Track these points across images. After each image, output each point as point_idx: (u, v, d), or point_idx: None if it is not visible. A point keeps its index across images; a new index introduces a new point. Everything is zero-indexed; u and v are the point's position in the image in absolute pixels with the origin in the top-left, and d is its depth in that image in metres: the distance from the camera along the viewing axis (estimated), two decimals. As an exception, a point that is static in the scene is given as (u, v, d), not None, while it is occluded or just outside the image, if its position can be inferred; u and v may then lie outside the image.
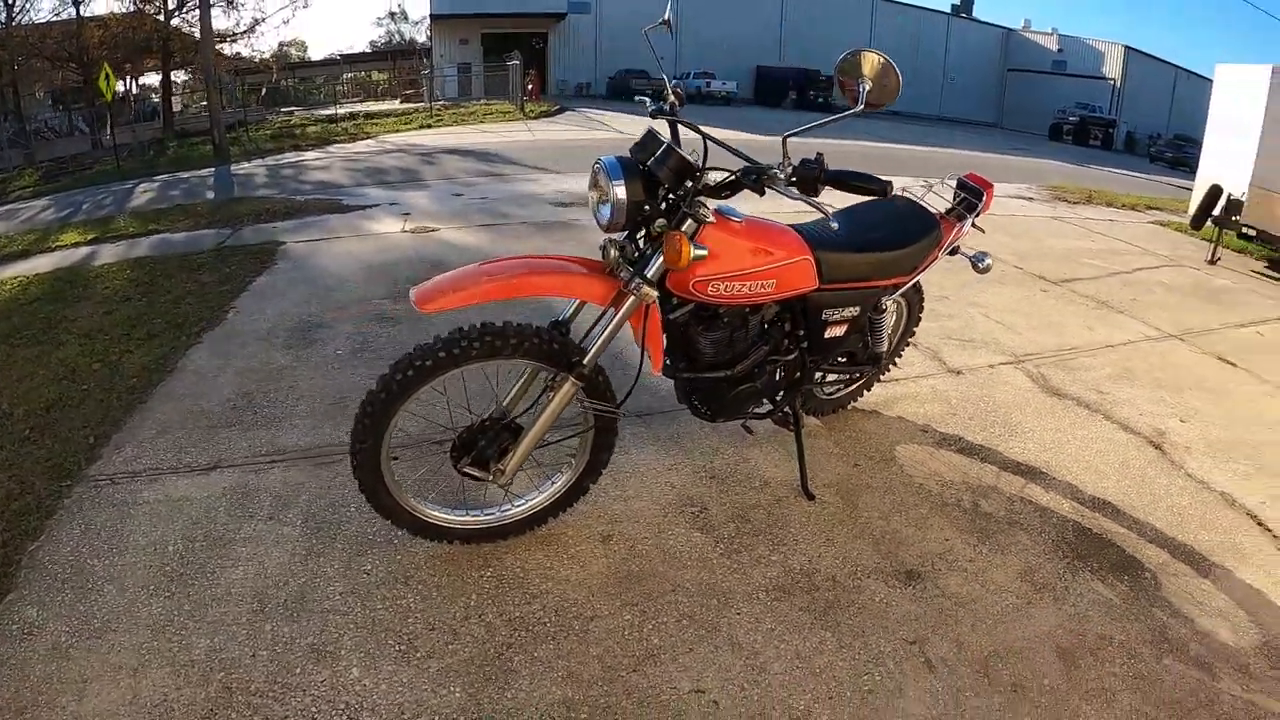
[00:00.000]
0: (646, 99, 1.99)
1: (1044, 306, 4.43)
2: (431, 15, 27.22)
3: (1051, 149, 21.84)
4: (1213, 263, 6.29)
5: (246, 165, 11.24)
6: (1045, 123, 27.65)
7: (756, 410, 2.24)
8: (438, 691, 1.57)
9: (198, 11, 17.16)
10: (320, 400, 2.74)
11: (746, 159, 1.78)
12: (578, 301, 1.93)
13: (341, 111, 20.62)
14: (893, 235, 2.28)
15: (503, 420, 1.85)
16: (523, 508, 2.00)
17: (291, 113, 23.44)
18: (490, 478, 1.82)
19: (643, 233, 1.80)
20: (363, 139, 13.97)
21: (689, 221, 1.73)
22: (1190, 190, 9.24)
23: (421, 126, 15.05)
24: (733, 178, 1.78)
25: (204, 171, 10.78)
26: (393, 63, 36.34)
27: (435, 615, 1.77)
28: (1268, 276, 5.95)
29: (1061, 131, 26.59)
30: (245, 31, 23.43)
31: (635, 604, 1.85)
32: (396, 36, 43.90)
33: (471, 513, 1.98)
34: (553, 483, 2.02)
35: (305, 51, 43.56)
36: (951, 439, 2.75)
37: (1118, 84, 30.25)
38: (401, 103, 25.99)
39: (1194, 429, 2.98)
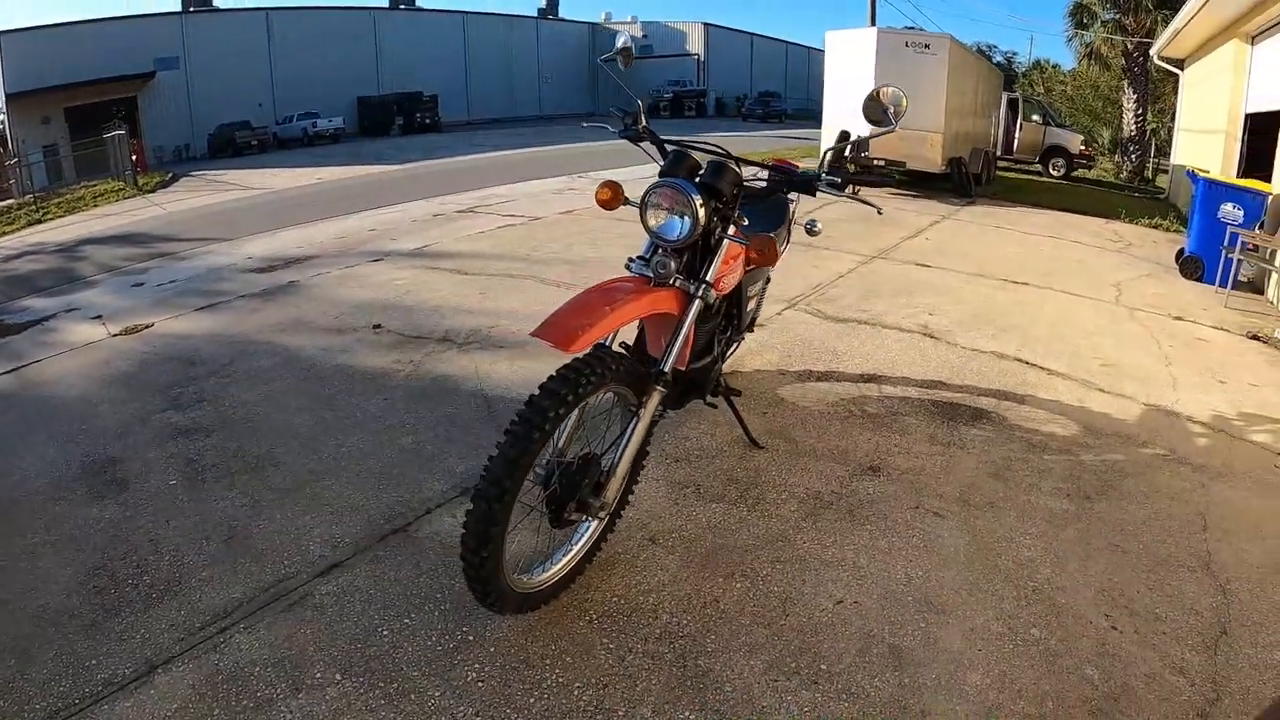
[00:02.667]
0: (611, 125, 2.23)
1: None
2: (6, 95, 22.24)
3: (657, 126, 26.34)
4: (856, 195, 8.98)
5: None
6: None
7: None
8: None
9: None
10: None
11: (759, 164, 2.13)
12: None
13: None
14: (776, 220, 2.90)
15: (574, 459, 1.88)
16: (587, 535, 2.04)
17: None
18: (600, 514, 1.86)
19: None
20: (-39, 252, 10.08)
21: (730, 226, 2.02)
22: (815, 140, 12.51)
23: (31, 223, 13.60)
24: (774, 183, 2.11)
25: None
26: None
27: (623, 641, 1.78)
28: (904, 194, 8.64)
29: (659, 108, 31.10)
30: None
31: (733, 573, 2.10)
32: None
33: (549, 566, 1.95)
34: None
35: None
36: (805, 373, 3.56)
37: (702, 58, 36.31)
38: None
39: (941, 318, 4.40)
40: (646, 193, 1.89)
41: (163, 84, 25.37)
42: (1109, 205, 10.19)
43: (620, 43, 2.25)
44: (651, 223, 1.91)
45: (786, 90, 38.53)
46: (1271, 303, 5.42)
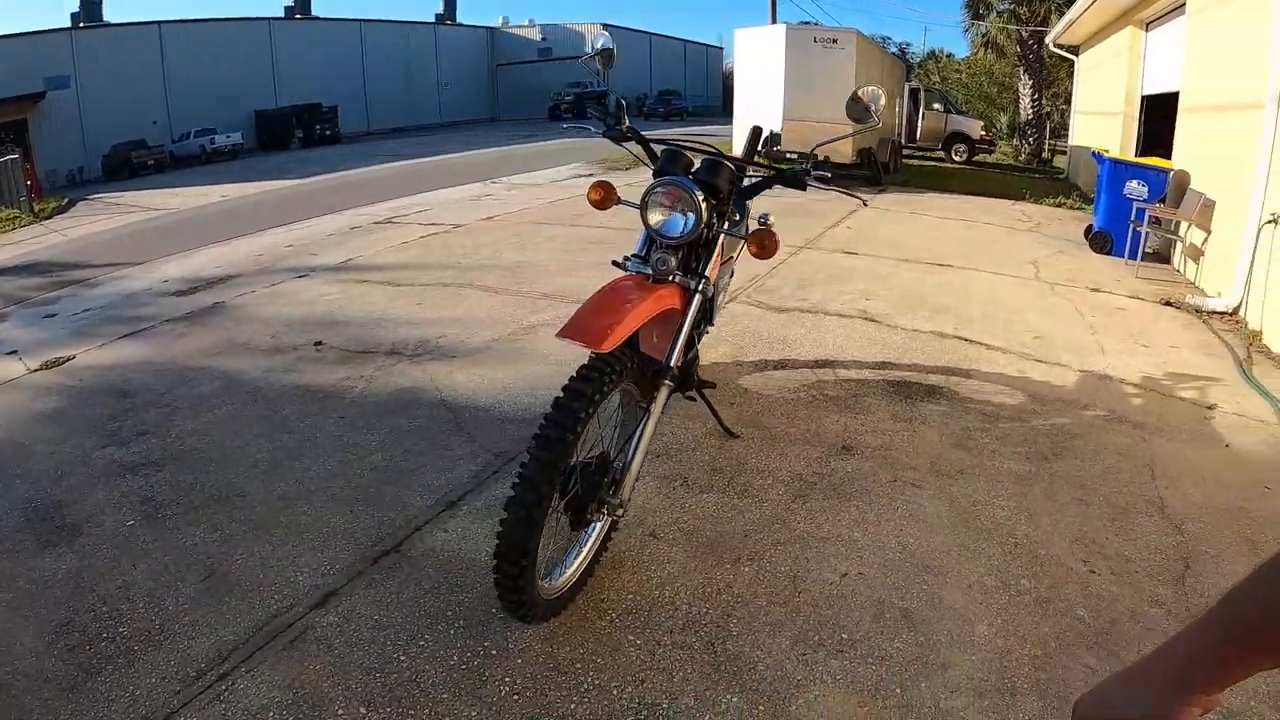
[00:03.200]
0: (593, 126, 2.25)
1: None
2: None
3: (559, 129, 26.71)
4: (843, 188, 9.46)
5: None
6: (543, 107, 32.68)
7: None
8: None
9: None
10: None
11: (737, 160, 2.18)
12: None
13: None
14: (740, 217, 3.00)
15: (591, 459, 1.88)
16: (595, 535, 2.06)
17: None
18: (619, 512, 1.88)
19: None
20: None
21: (725, 221, 2.08)
22: (724, 136, 12.90)
23: (-83, 260, 11.45)
24: (768, 178, 2.18)
25: None
26: None
27: (649, 635, 1.80)
28: (816, 185, 9.05)
29: (560, 111, 31.41)
30: None
31: (739, 558, 2.17)
32: None
33: (565, 569, 1.96)
34: None
35: None
36: (762, 363, 3.70)
37: None
38: None
39: (878, 303, 4.65)
40: (648, 191, 1.93)
41: (54, 104, 23.72)
42: (1013, 187, 11.03)
43: (599, 44, 2.28)
44: (654, 220, 1.94)
45: (686, 88, 39.74)
46: (1178, 270, 6.05)
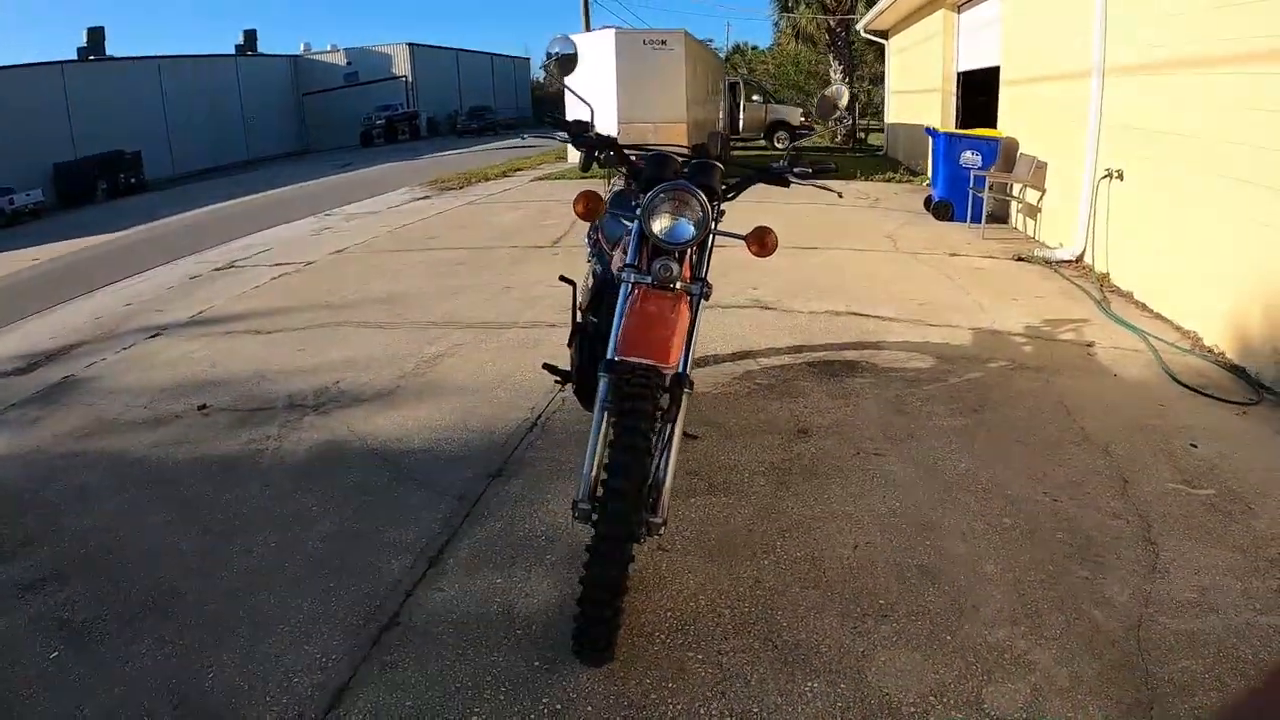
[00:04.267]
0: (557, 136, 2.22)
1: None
2: None
3: (375, 154, 25.78)
4: (818, 183, 9.87)
5: None
6: (354, 134, 31.61)
7: None
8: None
9: None
10: None
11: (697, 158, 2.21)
12: None
13: None
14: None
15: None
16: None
17: None
18: (661, 530, 1.87)
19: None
20: None
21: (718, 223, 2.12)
22: (548, 147, 13.15)
23: None
24: (751, 177, 2.25)
25: None
26: None
27: (706, 647, 1.80)
28: (799, 182, 9.47)
29: (372, 136, 30.91)
30: None
31: (754, 553, 2.26)
32: None
33: None
34: None
35: None
36: (711, 357, 3.84)
37: (410, 79, 36.49)
38: None
39: (766, 290, 4.98)
40: (652, 198, 1.90)
41: None
42: (841, 168, 12.20)
43: (556, 50, 2.24)
44: (658, 227, 1.92)
45: (496, 102, 40.29)
46: (1017, 229, 7.03)
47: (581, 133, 2.26)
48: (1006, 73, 7.62)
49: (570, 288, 2.89)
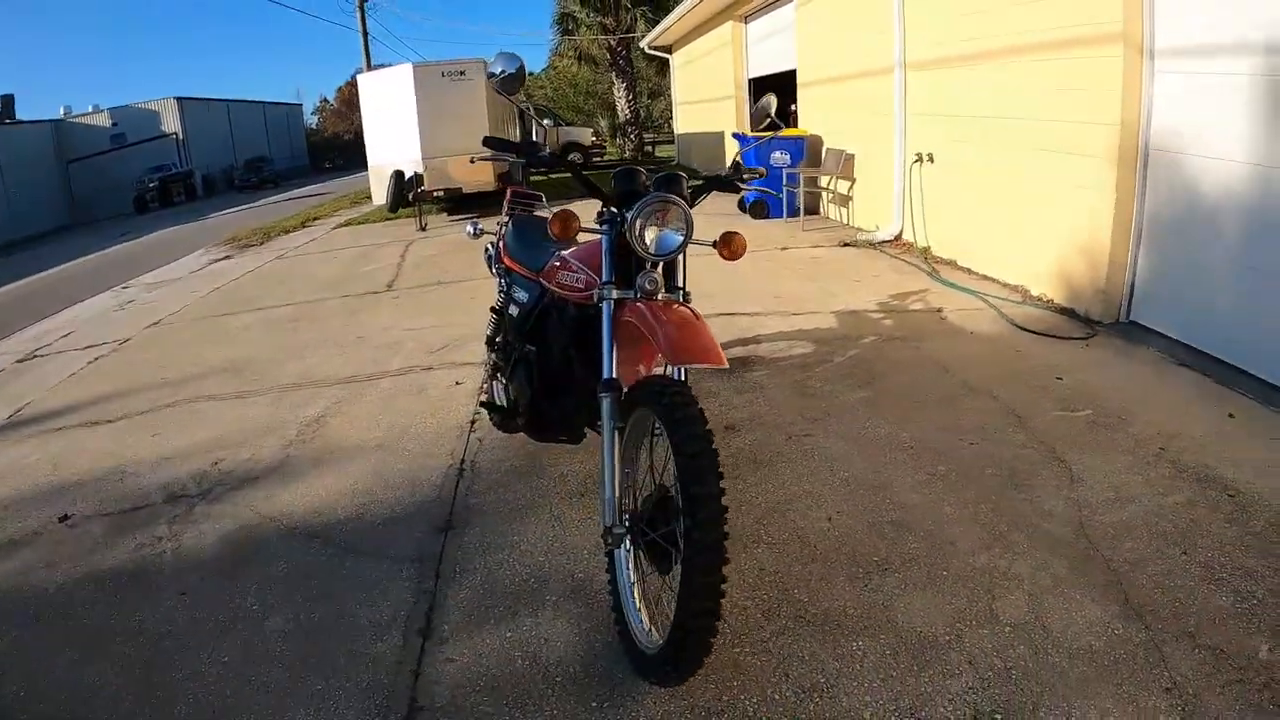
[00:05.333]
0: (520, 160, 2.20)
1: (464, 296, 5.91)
2: None
3: (153, 219, 23.73)
4: (423, 229, 9.59)
5: None
6: (128, 199, 28.87)
7: None
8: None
9: None
10: None
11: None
12: None
13: None
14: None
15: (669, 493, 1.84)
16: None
17: None
18: None
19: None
20: None
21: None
22: (332, 194, 12.58)
23: None
24: (706, 184, 2.31)
25: None
26: None
27: (755, 646, 1.87)
28: (466, 217, 9.27)
29: (147, 201, 28.71)
30: None
31: (746, 545, 2.37)
32: None
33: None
34: None
35: None
36: None
37: (181, 135, 34.03)
38: None
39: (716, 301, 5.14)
40: (640, 211, 1.90)
41: None
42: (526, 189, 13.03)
43: (499, 69, 2.19)
44: (649, 239, 1.94)
45: (272, 151, 38.81)
46: (831, 218, 7.80)
47: (536, 152, 2.24)
48: (804, 75, 8.53)
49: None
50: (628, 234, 1.93)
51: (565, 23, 20.58)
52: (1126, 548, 2.18)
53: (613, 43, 19.32)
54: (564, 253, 2.45)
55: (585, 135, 19.17)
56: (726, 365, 1.79)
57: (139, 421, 3.95)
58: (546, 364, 2.51)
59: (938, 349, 3.89)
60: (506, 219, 3.23)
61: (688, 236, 1.99)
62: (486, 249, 3.42)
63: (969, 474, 2.66)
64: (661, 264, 2.02)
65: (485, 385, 3.48)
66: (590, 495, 2.75)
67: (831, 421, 3.18)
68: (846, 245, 6.54)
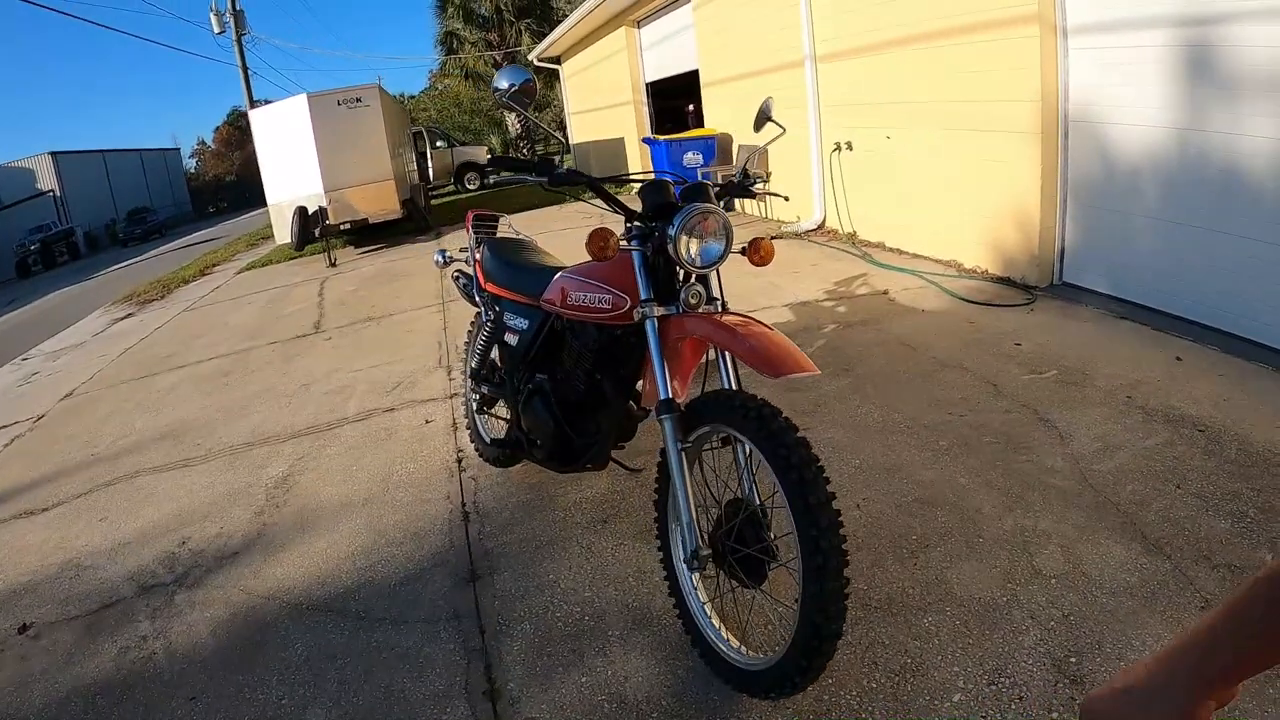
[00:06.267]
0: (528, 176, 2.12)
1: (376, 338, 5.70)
2: None
3: (38, 283, 22.53)
4: (334, 265, 9.26)
5: None
6: (8, 265, 27.42)
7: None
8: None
9: None
10: None
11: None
12: None
13: None
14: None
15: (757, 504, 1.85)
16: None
17: None
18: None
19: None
20: None
21: None
22: (224, 238, 12.00)
23: None
24: (723, 188, 2.27)
25: None
26: None
27: None
28: (372, 249, 8.95)
29: (29, 265, 27.43)
30: None
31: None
32: None
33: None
34: None
35: None
36: None
37: (58, 193, 32.32)
38: None
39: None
40: (685, 223, 1.89)
41: None
42: (547, 196, 12.76)
43: (504, 83, 2.10)
44: (693, 250, 1.93)
45: (154, 201, 37.79)
46: (748, 213, 8.03)
47: (553, 170, 2.13)
48: (707, 74, 8.73)
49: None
50: (671, 247, 1.91)
51: (449, 42, 20.27)
52: (1128, 490, 2.39)
53: (499, 58, 19.16)
54: (569, 273, 2.39)
55: (480, 154, 18.91)
56: (819, 372, 1.80)
57: (79, 506, 3.57)
58: (566, 391, 2.46)
59: (898, 329, 4.11)
60: (475, 243, 3.16)
61: (728, 246, 1.99)
62: (457, 276, 3.33)
63: (970, 445, 2.83)
64: (700, 276, 2.00)
65: (469, 421, 3.39)
66: (614, 520, 2.72)
67: (824, 411, 3.30)
68: (774, 238, 6.73)
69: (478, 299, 3.09)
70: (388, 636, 2.31)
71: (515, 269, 2.83)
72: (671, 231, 1.91)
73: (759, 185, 2.40)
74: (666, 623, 2.13)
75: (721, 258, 1.99)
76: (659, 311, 1.97)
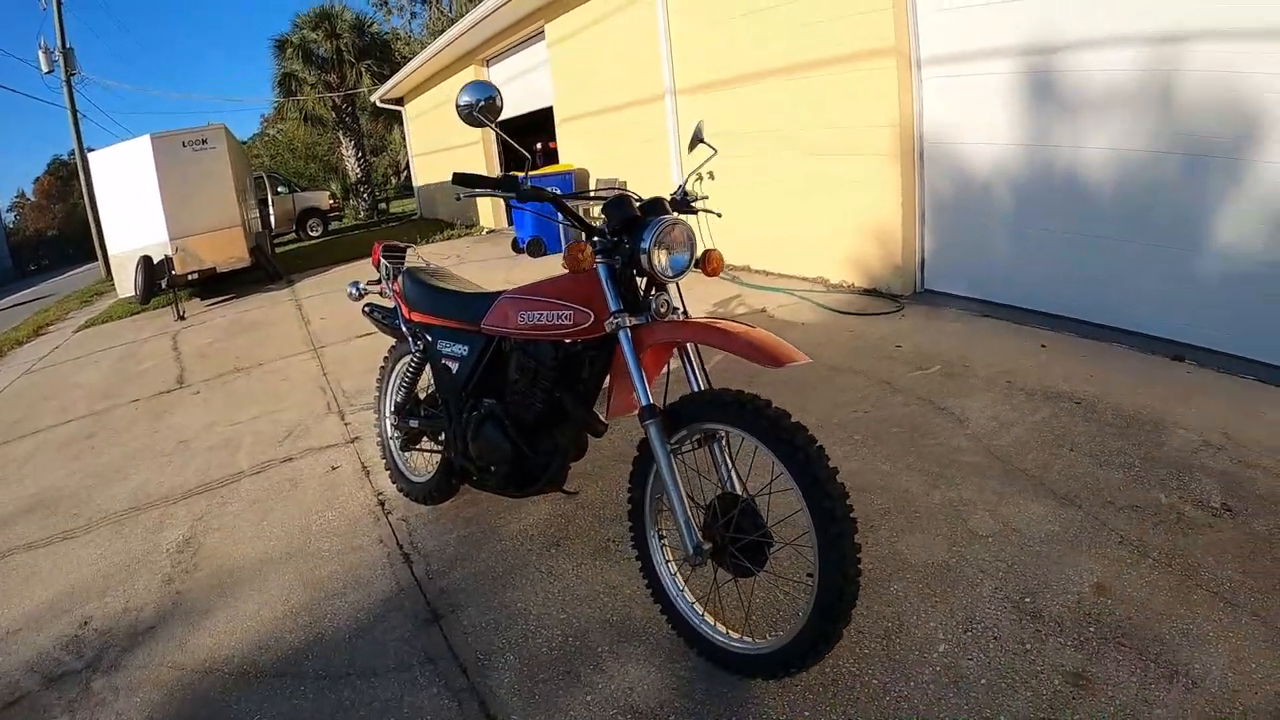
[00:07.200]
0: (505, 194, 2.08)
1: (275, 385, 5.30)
2: None
3: None
4: (182, 318, 8.48)
5: None
6: None
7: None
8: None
9: None
10: None
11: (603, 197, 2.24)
12: None
13: None
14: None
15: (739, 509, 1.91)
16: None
17: None
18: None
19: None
20: None
21: None
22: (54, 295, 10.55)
23: None
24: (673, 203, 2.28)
25: None
26: None
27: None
28: (222, 300, 8.23)
29: None
30: None
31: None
32: None
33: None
34: None
35: None
36: None
37: None
38: None
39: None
40: (659, 235, 1.96)
41: None
42: (403, 237, 12.42)
43: (470, 99, 2.05)
44: (664, 261, 2.00)
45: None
46: None
47: (516, 187, 2.09)
48: (562, 111, 8.89)
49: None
50: (645, 259, 1.97)
51: (287, 83, 19.15)
52: (1030, 458, 2.76)
53: (338, 100, 18.40)
54: (514, 295, 2.38)
55: (323, 199, 17.98)
56: (812, 360, 1.90)
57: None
58: (521, 411, 2.43)
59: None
60: (391, 274, 3.06)
61: (692, 255, 2.08)
62: (369, 309, 3.21)
63: (881, 436, 3.11)
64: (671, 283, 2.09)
65: (388, 461, 3.23)
66: (566, 542, 2.69)
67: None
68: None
69: (404, 329, 2.98)
70: (360, 692, 2.14)
71: (445, 296, 2.78)
72: (645, 244, 1.97)
73: (697, 203, 2.51)
74: (653, 630, 2.16)
75: (687, 267, 2.07)
76: (632, 322, 2.02)
